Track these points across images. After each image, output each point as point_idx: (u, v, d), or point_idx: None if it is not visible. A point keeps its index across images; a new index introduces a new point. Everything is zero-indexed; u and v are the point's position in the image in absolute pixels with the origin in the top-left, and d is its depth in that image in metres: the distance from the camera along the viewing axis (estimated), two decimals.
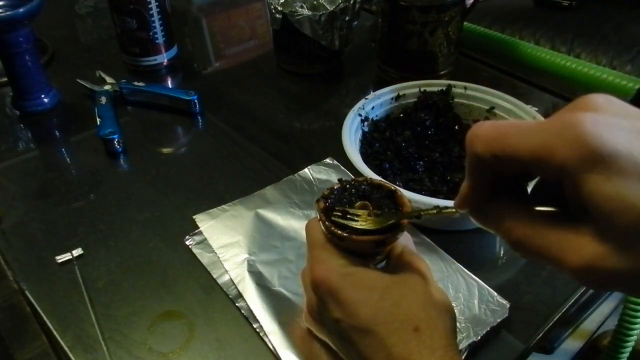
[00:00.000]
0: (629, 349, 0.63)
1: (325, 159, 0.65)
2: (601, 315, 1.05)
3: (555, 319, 0.50)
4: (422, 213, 0.37)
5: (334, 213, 0.38)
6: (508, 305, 0.48)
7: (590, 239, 0.26)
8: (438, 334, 0.35)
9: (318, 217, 0.39)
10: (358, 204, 0.40)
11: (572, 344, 1.03)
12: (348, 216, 0.38)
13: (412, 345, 0.34)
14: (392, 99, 0.67)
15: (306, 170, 0.63)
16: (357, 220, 0.38)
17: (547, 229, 0.28)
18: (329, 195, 0.40)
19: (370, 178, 0.42)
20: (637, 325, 0.59)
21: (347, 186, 0.41)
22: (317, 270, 0.37)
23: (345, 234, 0.37)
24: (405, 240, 0.41)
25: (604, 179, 0.24)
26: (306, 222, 0.42)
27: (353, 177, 0.41)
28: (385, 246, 0.38)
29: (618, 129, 0.25)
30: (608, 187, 0.24)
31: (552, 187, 0.28)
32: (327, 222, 0.37)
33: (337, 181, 0.41)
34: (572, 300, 0.51)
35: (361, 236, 0.37)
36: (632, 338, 0.61)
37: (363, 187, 0.40)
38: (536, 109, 0.62)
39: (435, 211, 0.37)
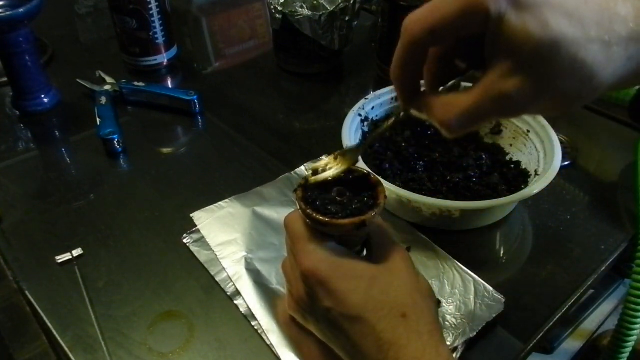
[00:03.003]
0: (629, 349, 0.63)
1: None
2: (601, 315, 1.05)
3: (555, 319, 0.50)
4: (383, 126, 0.41)
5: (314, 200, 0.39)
6: (503, 300, 0.49)
7: (504, 76, 0.32)
8: (424, 319, 0.37)
9: (298, 206, 0.39)
10: (334, 189, 0.41)
11: (572, 344, 1.03)
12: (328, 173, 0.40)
13: (400, 331, 0.36)
14: (392, 99, 0.67)
15: (302, 167, 0.64)
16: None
17: (470, 91, 0.34)
18: (306, 184, 0.41)
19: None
20: (637, 325, 0.59)
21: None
22: (306, 262, 0.38)
23: (327, 219, 0.38)
24: (385, 232, 0.42)
25: (514, 14, 0.30)
26: None
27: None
28: (365, 227, 0.39)
29: None
30: (517, 21, 0.30)
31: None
32: (308, 210, 0.38)
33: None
34: (572, 300, 0.51)
35: (342, 219, 0.38)
36: (632, 338, 0.61)
37: None
38: None
39: (391, 121, 0.40)
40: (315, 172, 0.41)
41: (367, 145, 0.41)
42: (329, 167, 0.40)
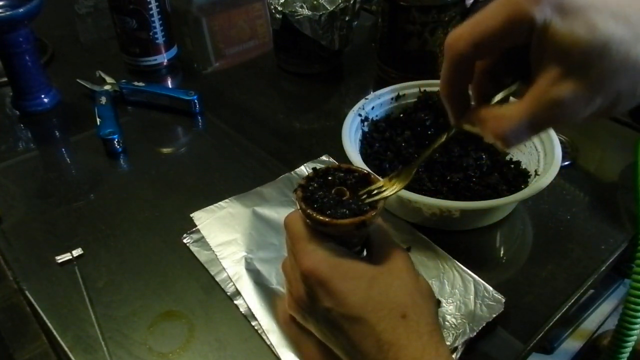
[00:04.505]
0: (629, 349, 0.63)
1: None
2: (601, 315, 1.05)
3: (555, 319, 0.50)
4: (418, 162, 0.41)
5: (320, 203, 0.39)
6: (504, 300, 0.48)
7: (556, 82, 0.32)
8: (424, 319, 0.37)
9: (298, 206, 0.39)
10: (334, 189, 0.41)
11: (572, 344, 1.03)
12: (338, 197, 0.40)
13: (400, 331, 0.36)
14: (392, 99, 0.67)
15: (302, 167, 0.64)
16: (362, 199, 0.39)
17: (521, 101, 0.34)
18: (306, 184, 0.41)
19: (341, 164, 0.43)
20: (637, 325, 0.59)
21: (322, 174, 0.42)
22: (306, 262, 0.38)
23: (327, 219, 0.38)
24: (385, 232, 0.42)
25: (560, 20, 0.31)
26: None
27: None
28: (365, 227, 0.38)
29: None
30: (564, 26, 0.30)
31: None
32: (308, 210, 0.38)
33: (312, 170, 0.42)
34: (572, 300, 0.51)
35: (342, 219, 0.38)
36: (632, 338, 0.61)
37: (337, 173, 0.42)
38: None
39: (443, 138, 0.40)
40: (357, 184, 0.41)
41: (419, 164, 0.42)
42: (384, 188, 0.40)
